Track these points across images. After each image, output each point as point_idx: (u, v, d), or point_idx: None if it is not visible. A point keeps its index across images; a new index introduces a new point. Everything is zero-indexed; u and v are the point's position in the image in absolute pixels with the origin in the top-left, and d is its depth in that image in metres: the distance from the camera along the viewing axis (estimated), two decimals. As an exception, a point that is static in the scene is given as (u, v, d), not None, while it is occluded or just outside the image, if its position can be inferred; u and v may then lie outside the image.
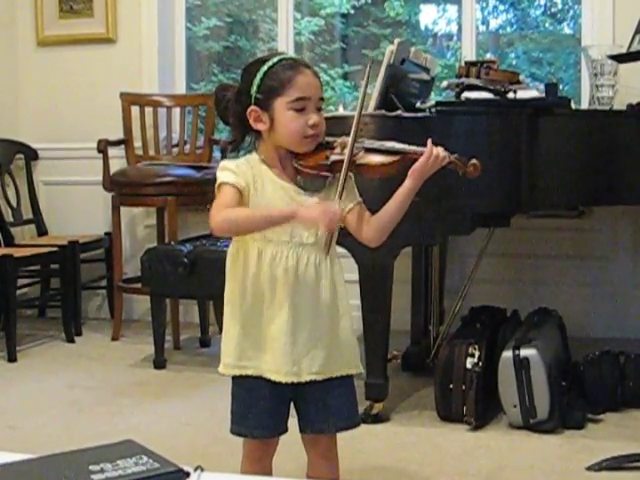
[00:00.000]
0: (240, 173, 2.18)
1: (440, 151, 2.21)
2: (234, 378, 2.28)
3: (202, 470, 1.47)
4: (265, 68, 2.20)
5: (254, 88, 2.19)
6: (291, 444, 2.38)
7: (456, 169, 2.27)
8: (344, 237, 2.35)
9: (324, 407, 2.28)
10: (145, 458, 1.36)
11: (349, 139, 2.21)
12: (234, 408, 2.31)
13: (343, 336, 2.28)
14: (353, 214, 2.28)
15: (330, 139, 2.25)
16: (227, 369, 2.27)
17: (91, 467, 1.33)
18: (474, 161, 2.27)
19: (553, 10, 6.13)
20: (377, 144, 2.30)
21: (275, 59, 2.22)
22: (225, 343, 2.27)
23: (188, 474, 1.41)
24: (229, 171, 2.18)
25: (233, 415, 2.31)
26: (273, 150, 2.24)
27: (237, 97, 2.25)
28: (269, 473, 2.33)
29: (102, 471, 1.32)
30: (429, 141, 2.23)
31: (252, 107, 2.20)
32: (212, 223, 2.13)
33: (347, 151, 2.19)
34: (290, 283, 2.20)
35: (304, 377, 2.22)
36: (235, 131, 2.29)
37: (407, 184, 2.22)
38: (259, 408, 2.24)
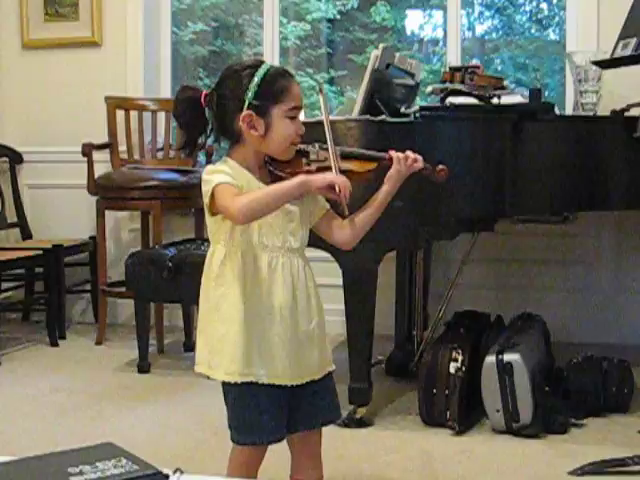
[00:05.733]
0: (233, 175, 2.17)
1: (411, 155, 2.31)
2: (237, 386, 2.22)
3: (181, 473, 1.47)
4: (261, 74, 2.20)
5: (249, 94, 2.18)
6: (271, 448, 2.37)
7: (428, 175, 2.37)
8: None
9: (315, 404, 2.31)
10: (124, 460, 1.36)
11: (327, 145, 2.26)
12: (241, 417, 2.24)
13: (325, 334, 2.34)
14: (324, 220, 2.35)
15: (301, 146, 2.27)
16: (234, 376, 2.19)
17: (70, 469, 1.32)
18: (442, 166, 2.38)
19: (539, 16, 6.14)
20: (348, 150, 2.38)
21: (267, 65, 2.24)
22: (224, 349, 2.20)
23: (167, 476, 1.41)
24: (223, 173, 2.17)
25: (240, 425, 2.24)
26: (253, 156, 2.24)
27: (220, 101, 2.23)
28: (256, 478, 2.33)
29: (81, 473, 1.31)
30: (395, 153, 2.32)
31: (247, 112, 2.19)
32: (233, 211, 2.09)
33: (330, 152, 2.24)
34: (287, 287, 2.22)
35: (305, 378, 2.26)
36: (208, 134, 2.29)
37: (385, 189, 2.31)
38: (269, 414, 2.23)
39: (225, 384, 2.25)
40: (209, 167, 2.22)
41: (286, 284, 2.22)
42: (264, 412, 2.22)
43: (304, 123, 2.27)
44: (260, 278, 2.20)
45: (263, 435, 2.24)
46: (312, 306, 2.28)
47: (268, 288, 2.21)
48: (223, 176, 2.15)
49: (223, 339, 2.21)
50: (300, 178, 2.14)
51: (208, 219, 2.24)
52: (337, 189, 2.13)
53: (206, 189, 2.15)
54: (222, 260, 2.22)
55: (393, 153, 2.30)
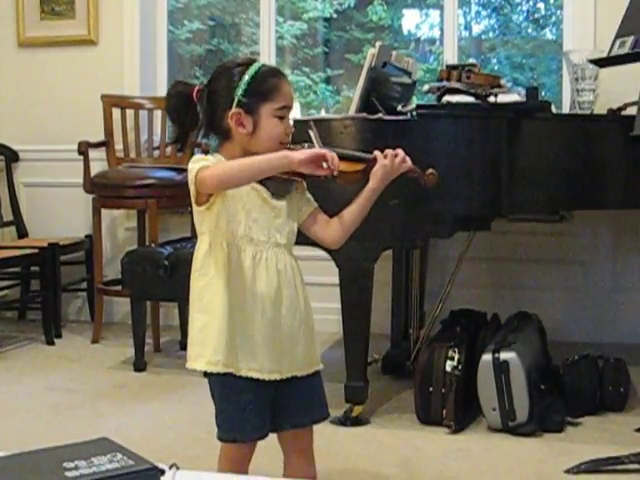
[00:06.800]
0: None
1: (400, 153, 2.29)
2: (219, 382, 2.23)
3: (177, 468, 1.46)
4: (252, 72, 2.20)
5: (239, 91, 2.18)
6: (265, 447, 2.37)
7: (417, 178, 2.36)
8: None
9: (303, 402, 2.30)
10: (120, 455, 1.36)
11: (314, 145, 2.25)
12: (224, 414, 2.25)
13: (313, 332, 2.33)
14: (312, 218, 2.34)
15: (290, 146, 2.26)
16: (217, 366, 2.19)
17: (65, 464, 1.32)
18: (431, 170, 2.36)
19: (536, 16, 6.14)
20: (337, 151, 2.34)
21: (258, 63, 2.24)
22: (207, 339, 2.21)
23: (163, 472, 1.40)
24: (206, 161, 2.16)
25: (224, 421, 2.25)
26: (241, 154, 2.22)
27: (211, 96, 2.23)
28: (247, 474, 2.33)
29: (76, 468, 1.31)
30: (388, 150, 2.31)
31: (236, 109, 2.18)
32: (206, 177, 2.09)
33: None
34: (272, 282, 2.21)
35: (285, 374, 2.24)
36: (198, 129, 2.28)
37: (370, 186, 2.29)
38: (252, 410, 2.22)
39: (210, 379, 2.26)
40: (195, 157, 2.21)
41: (270, 279, 2.21)
42: (246, 409, 2.22)
43: (295, 121, 2.27)
44: (244, 271, 2.20)
45: (244, 432, 2.24)
46: (298, 303, 2.27)
47: (251, 281, 2.20)
48: (207, 162, 2.15)
49: (205, 329, 2.22)
50: (283, 152, 2.13)
51: (194, 210, 2.23)
52: (324, 164, 2.12)
53: (191, 177, 2.14)
54: (207, 251, 2.22)
55: (377, 153, 2.29)
